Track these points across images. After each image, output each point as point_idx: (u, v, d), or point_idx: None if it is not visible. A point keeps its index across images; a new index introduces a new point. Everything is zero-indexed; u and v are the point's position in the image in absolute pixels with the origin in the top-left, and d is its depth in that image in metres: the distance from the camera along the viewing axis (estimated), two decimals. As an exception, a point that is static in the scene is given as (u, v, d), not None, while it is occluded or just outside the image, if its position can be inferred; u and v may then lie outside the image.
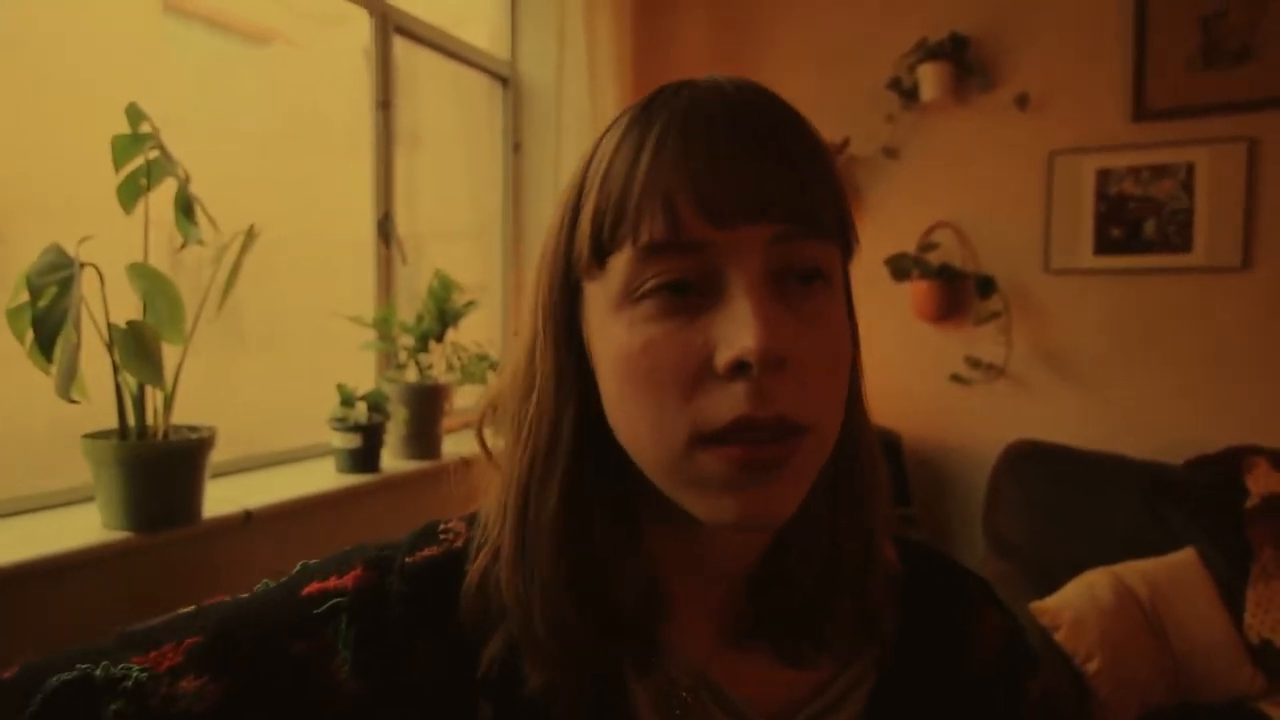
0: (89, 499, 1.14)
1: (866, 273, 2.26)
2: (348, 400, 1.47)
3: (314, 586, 0.46)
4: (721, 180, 0.37)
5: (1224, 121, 1.97)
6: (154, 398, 1.08)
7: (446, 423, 1.68)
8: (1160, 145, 2.03)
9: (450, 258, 2.04)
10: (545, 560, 0.42)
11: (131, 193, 1.03)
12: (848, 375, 0.41)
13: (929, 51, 2.17)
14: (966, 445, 2.26)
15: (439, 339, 1.66)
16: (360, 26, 1.75)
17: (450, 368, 1.68)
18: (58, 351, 0.88)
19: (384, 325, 1.60)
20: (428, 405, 1.61)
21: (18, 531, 1.06)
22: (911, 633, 0.49)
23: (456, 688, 0.44)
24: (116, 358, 1.00)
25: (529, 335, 0.45)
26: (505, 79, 2.18)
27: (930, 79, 2.16)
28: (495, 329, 2.15)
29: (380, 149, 1.75)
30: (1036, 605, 1.59)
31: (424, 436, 1.61)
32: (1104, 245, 2.10)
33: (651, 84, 0.44)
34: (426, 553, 0.48)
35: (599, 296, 0.41)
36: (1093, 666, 1.50)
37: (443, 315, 1.63)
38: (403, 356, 1.65)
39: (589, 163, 0.42)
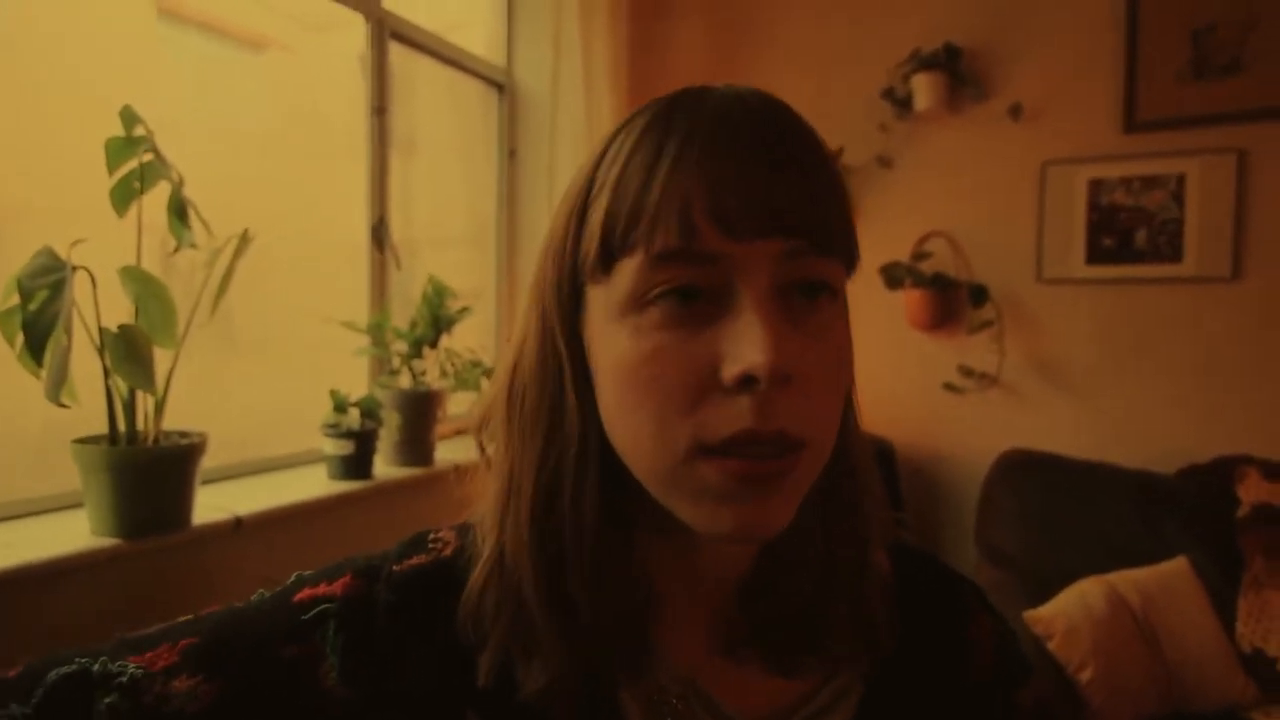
0: (78, 505, 1.13)
1: (860, 281, 2.22)
2: (340, 406, 1.47)
3: (305, 593, 0.46)
4: (740, 193, 0.37)
5: (1214, 133, 1.99)
6: (145, 402, 1.07)
7: (440, 430, 1.67)
8: (1151, 156, 2.04)
9: (445, 264, 2.04)
10: (543, 565, 0.42)
11: (125, 196, 1.02)
12: (845, 390, 0.42)
13: (923, 61, 2.18)
14: (959, 454, 2.27)
15: (433, 345, 1.65)
16: (356, 32, 1.75)
17: (444, 374, 1.68)
18: (48, 355, 0.88)
19: (377, 331, 1.60)
20: (421, 412, 1.60)
21: (6, 537, 1.05)
22: (905, 638, 0.48)
23: (445, 697, 0.44)
24: (107, 362, 1.00)
25: (533, 337, 0.44)
26: (501, 86, 2.18)
27: (924, 89, 2.18)
28: (489, 335, 2.15)
29: (375, 154, 1.75)
30: (1030, 614, 1.59)
31: (417, 443, 1.60)
32: (1096, 255, 2.11)
33: (647, 92, 0.44)
34: (415, 561, 0.48)
35: (603, 301, 0.41)
36: (1086, 676, 1.50)
37: (436, 321, 1.63)
38: (396, 362, 1.64)
39: (599, 162, 0.42)
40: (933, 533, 2.29)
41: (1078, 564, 1.79)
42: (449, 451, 1.70)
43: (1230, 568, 1.75)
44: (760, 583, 0.45)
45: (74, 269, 0.94)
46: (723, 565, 0.46)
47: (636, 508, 0.43)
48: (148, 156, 1.03)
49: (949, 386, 2.24)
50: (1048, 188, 2.15)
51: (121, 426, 1.05)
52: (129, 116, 1.02)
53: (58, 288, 0.91)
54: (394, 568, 0.47)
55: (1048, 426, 2.16)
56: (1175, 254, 2.03)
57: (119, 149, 1.01)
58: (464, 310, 1.68)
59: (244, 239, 1.14)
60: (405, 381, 1.65)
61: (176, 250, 1.07)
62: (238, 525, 1.19)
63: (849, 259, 0.42)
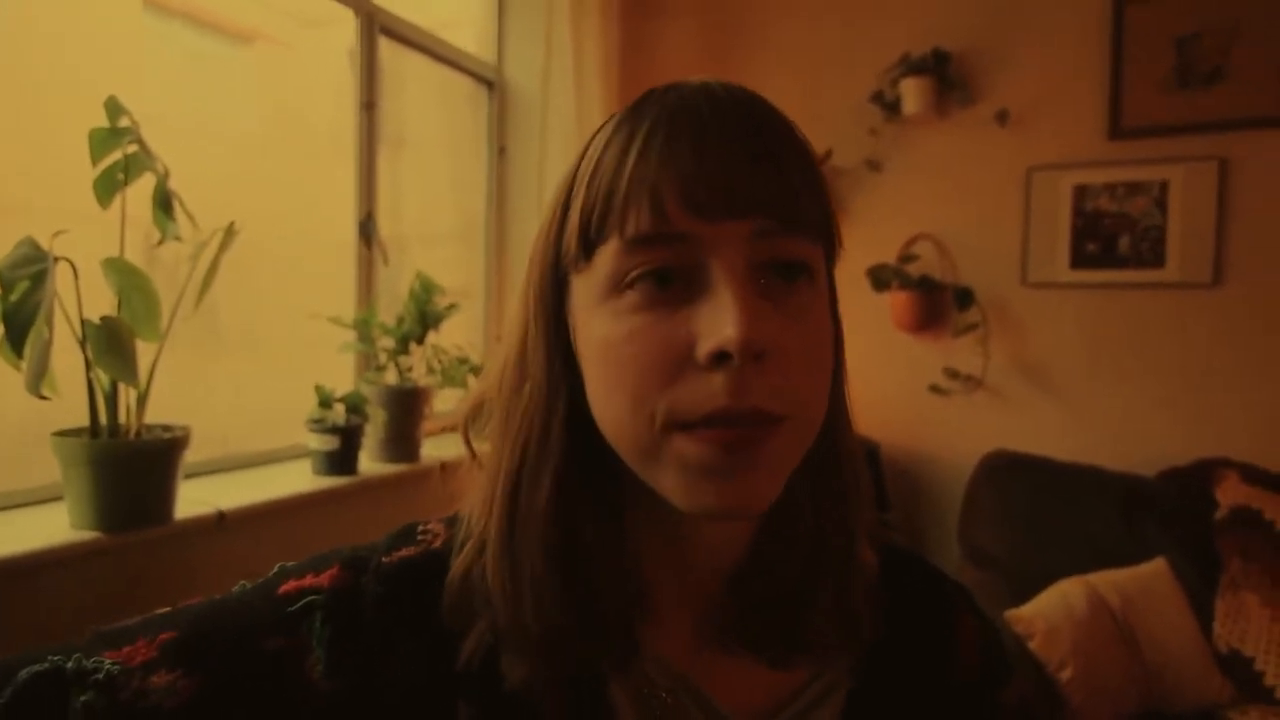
0: (58, 498, 1.11)
1: (847, 282, 2.25)
2: (326, 402, 1.46)
3: (290, 585, 0.46)
4: (706, 174, 0.38)
5: (1197, 141, 2.01)
6: (127, 396, 1.06)
7: (426, 426, 1.66)
8: (1135, 163, 2.07)
9: (433, 261, 2.03)
10: (535, 552, 0.42)
11: (108, 187, 1.01)
12: (828, 369, 0.42)
13: (912, 66, 2.20)
14: (944, 455, 2.28)
15: (419, 341, 1.65)
16: (345, 27, 1.74)
17: (431, 371, 1.67)
18: (29, 347, 0.87)
19: (364, 327, 1.59)
20: (407, 408, 1.60)
21: (-17, 530, 1.03)
22: (891, 637, 0.49)
23: (434, 689, 0.43)
24: (89, 354, 0.99)
25: (518, 331, 0.45)
26: (491, 83, 2.18)
27: (912, 93, 2.19)
28: (477, 333, 2.14)
29: (364, 149, 1.74)
30: (1011, 613, 1.60)
31: (403, 439, 1.59)
32: (1080, 260, 2.13)
33: (637, 91, 0.45)
34: (404, 553, 0.48)
35: (585, 289, 0.41)
36: (1065, 675, 1.51)
37: (423, 318, 1.63)
38: (382, 358, 1.64)
39: (580, 161, 0.43)
40: (917, 533, 2.30)
41: (1060, 565, 1.81)
42: (435, 448, 1.69)
43: (1208, 569, 1.77)
44: (749, 572, 0.46)
45: (56, 260, 0.93)
46: (712, 554, 0.46)
47: (627, 498, 0.44)
48: (132, 148, 1.02)
49: (934, 388, 2.26)
50: (1033, 193, 2.17)
51: (103, 419, 1.04)
52: (113, 107, 1.01)
53: (39, 279, 0.90)
54: (383, 559, 0.47)
55: (1031, 428, 2.18)
56: (1158, 260, 2.05)
57: (103, 140, 1.00)
58: (451, 307, 1.67)
59: (229, 232, 1.13)
60: (391, 378, 1.64)
61: (161, 243, 1.06)
62: (221, 520, 1.18)
63: (827, 240, 0.43)
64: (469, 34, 2.16)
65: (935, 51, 2.19)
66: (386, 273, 1.81)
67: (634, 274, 0.39)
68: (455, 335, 1.78)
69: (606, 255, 0.40)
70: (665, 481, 0.39)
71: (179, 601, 0.48)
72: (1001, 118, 2.16)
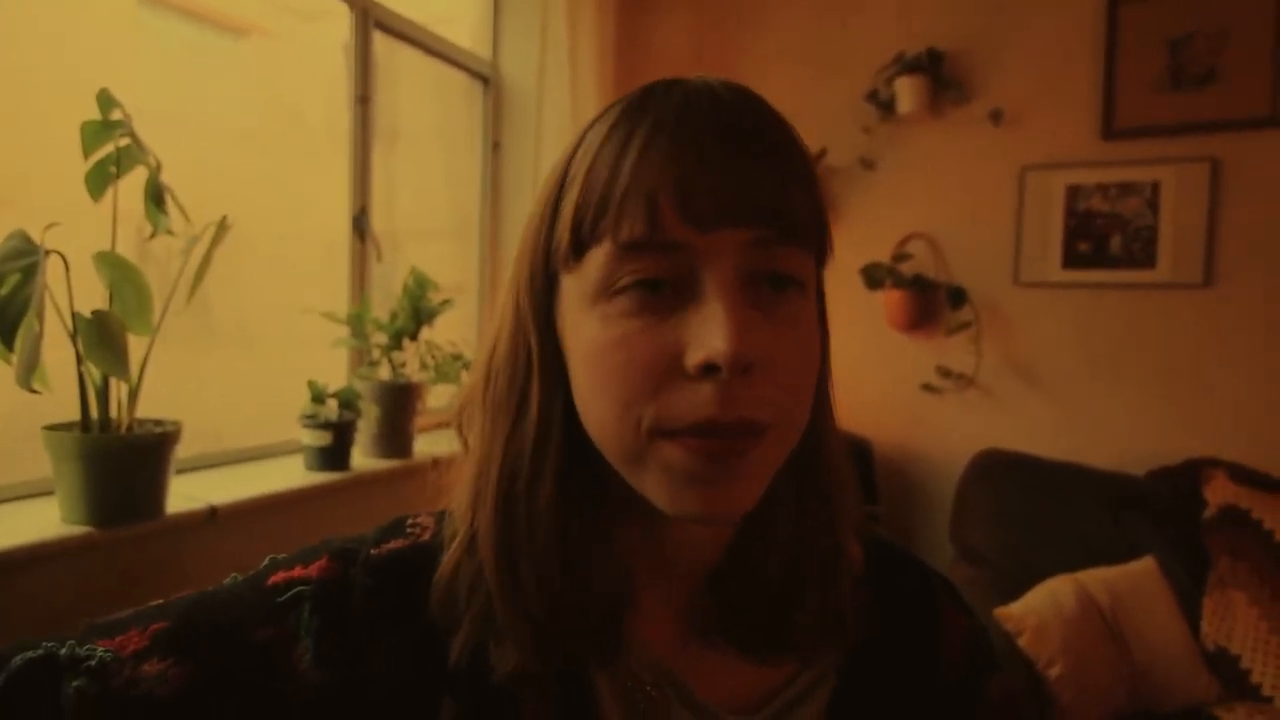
0: (49, 492, 1.11)
1: (841, 281, 2.28)
2: (318, 397, 1.46)
3: (279, 576, 0.46)
4: (705, 184, 0.37)
5: (1189, 142, 2.02)
6: (118, 390, 1.06)
7: (419, 422, 1.66)
8: (1128, 163, 2.08)
9: (427, 257, 2.02)
10: (536, 547, 0.42)
11: (100, 180, 1.01)
12: (814, 378, 0.42)
13: (906, 65, 2.20)
14: (936, 453, 2.29)
15: (413, 337, 1.64)
16: (340, 21, 1.73)
17: (424, 366, 1.67)
18: (19, 340, 0.86)
19: (357, 322, 1.59)
20: (400, 404, 1.60)
21: (-27, 524, 1.03)
22: (876, 631, 0.49)
23: (420, 680, 0.44)
24: (80, 348, 0.98)
25: (508, 324, 0.45)
26: (486, 78, 2.18)
27: (907, 92, 2.20)
28: (471, 329, 2.14)
29: (358, 144, 1.74)
30: (1000, 611, 1.61)
31: (396, 435, 1.59)
32: (1072, 259, 2.14)
33: (632, 87, 0.44)
34: (392, 545, 0.48)
35: (575, 289, 0.41)
36: (1054, 672, 1.52)
37: (417, 313, 1.62)
38: (376, 354, 1.63)
39: (573, 153, 0.42)
40: (909, 531, 2.31)
41: (1050, 563, 1.82)
42: (428, 444, 1.69)
43: (1196, 568, 1.78)
44: (731, 569, 0.46)
45: (47, 253, 0.93)
46: (695, 551, 0.46)
47: (612, 496, 0.44)
48: (124, 141, 1.02)
49: (927, 387, 2.27)
50: (1026, 192, 2.17)
51: (94, 414, 1.04)
52: (105, 100, 1.01)
53: (30, 271, 0.89)
54: (371, 551, 0.47)
55: (1023, 427, 2.19)
56: (1149, 260, 2.07)
57: (95, 133, 1.00)
58: (445, 303, 1.67)
59: (222, 226, 1.13)
60: (385, 373, 1.64)
61: (153, 236, 1.06)
62: (212, 515, 1.18)
63: (819, 250, 0.42)
64: (464, 29, 2.15)
65: (930, 51, 2.20)
66: (380, 268, 1.81)
67: (625, 281, 0.38)
68: (449, 331, 1.78)
69: (598, 257, 0.39)
70: (649, 486, 0.40)
71: (171, 595, 0.49)
72: (995, 117, 2.17)
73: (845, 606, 0.47)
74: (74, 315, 0.98)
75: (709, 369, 0.36)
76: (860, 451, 2.20)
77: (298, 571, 0.46)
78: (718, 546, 0.46)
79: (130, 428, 1.07)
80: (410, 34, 1.89)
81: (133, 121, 1.03)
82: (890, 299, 2.26)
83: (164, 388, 1.15)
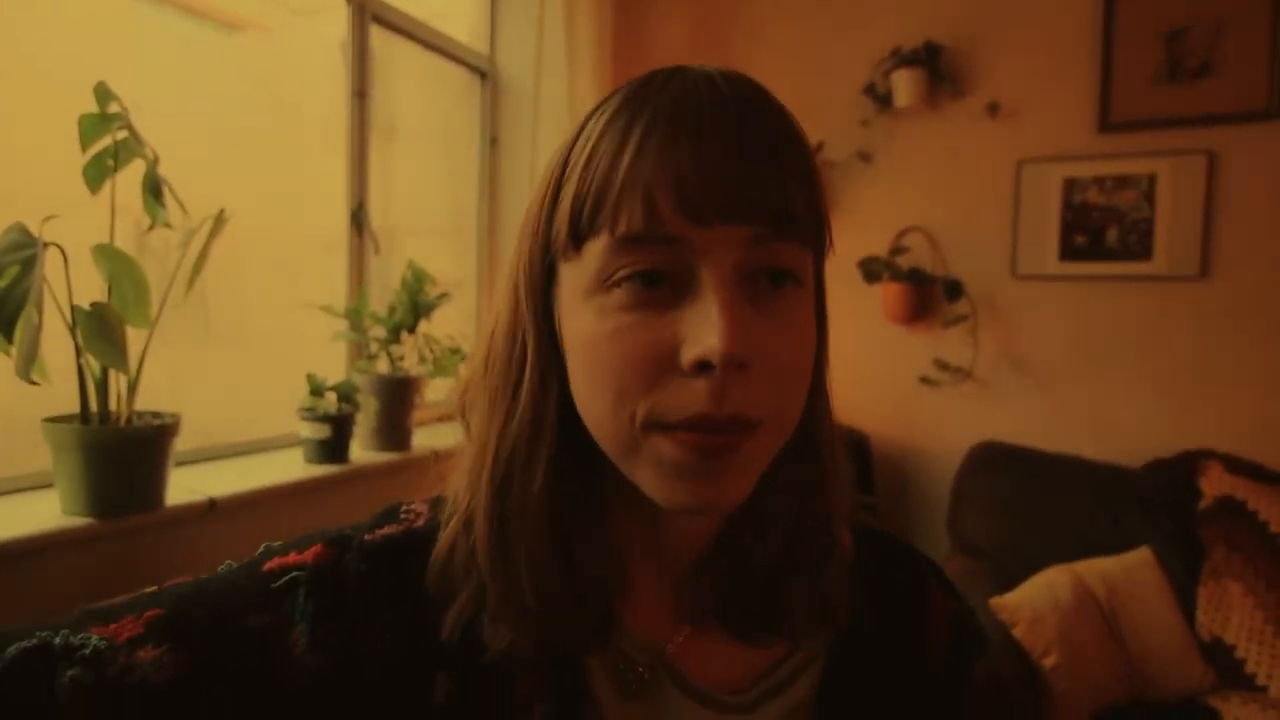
0: (49, 484, 1.12)
1: (839, 274, 2.28)
2: (317, 390, 1.46)
3: (274, 562, 0.47)
4: (704, 179, 0.37)
5: (1185, 135, 2.02)
6: (117, 382, 1.07)
7: (417, 415, 1.67)
8: (1124, 156, 2.08)
9: (424, 251, 2.03)
10: (531, 531, 0.42)
11: (98, 173, 1.01)
12: (808, 374, 0.42)
13: (903, 58, 2.20)
14: (933, 446, 2.30)
15: (411, 331, 1.65)
16: (337, 16, 1.73)
17: (422, 360, 1.67)
18: (18, 332, 0.87)
19: (356, 316, 1.59)
20: (398, 397, 1.60)
21: (-26, 516, 1.04)
22: (866, 614, 0.50)
23: (414, 663, 0.44)
24: (79, 340, 0.99)
25: (506, 312, 0.45)
26: (484, 73, 2.18)
27: (904, 85, 2.20)
28: (469, 323, 2.15)
29: (355, 138, 1.74)
30: (996, 601, 1.62)
31: (394, 428, 1.60)
32: (1068, 252, 2.15)
33: (630, 81, 0.44)
34: (387, 531, 0.48)
35: (572, 279, 0.41)
36: (1050, 662, 1.53)
37: (415, 307, 1.63)
38: (374, 348, 1.64)
39: (574, 143, 0.42)
40: (906, 522, 2.32)
41: (1047, 554, 1.83)
42: (426, 438, 1.70)
43: (1192, 558, 1.79)
44: (724, 554, 0.46)
45: (45, 245, 0.93)
46: (687, 537, 0.47)
47: (606, 482, 0.44)
48: (122, 134, 1.02)
49: (924, 379, 2.28)
50: (1023, 185, 2.18)
51: (94, 406, 1.04)
52: (103, 93, 1.01)
53: (28, 264, 0.90)
54: (366, 537, 0.47)
55: (1019, 420, 2.19)
56: (1145, 252, 2.07)
57: (92, 126, 1.00)
58: (443, 296, 1.67)
59: (219, 219, 1.14)
60: (383, 367, 1.65)
61: (151, 229, 1.07)
62: (211, 507, 1.18)
63: (818, 245, 0.42)
64: (462, 23, 2.15)
65: (927, 44, 2.20)
66: (378, 263, 1.81)
67: (622, 273, 0.38)
68: (447, 325, 1.78)
69: (596, 250, 0.39)
70: (642, 477, 0.40)
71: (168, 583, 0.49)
72: (992, 110, 2.17)
73: (835, 591, 0.47)
74: (73, 308, 0.98)
75: (703, 366, 0.36)
76: (857, 444, 2.21)
77: (292, 558, 0.47)
78: (710, 533, 0.47)
79: (129, 420, 1.07)
80: (407, 28, 1.90)
81: (130, 115, 1.04)
82: (888, 292, 2.26)
83: (163, 382, 1.16)
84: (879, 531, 0.55)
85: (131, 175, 1.05)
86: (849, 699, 0.47)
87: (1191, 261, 2.02)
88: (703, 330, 0.36)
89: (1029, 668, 1.54)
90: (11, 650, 0.41)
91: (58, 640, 0.42)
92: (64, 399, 1.04)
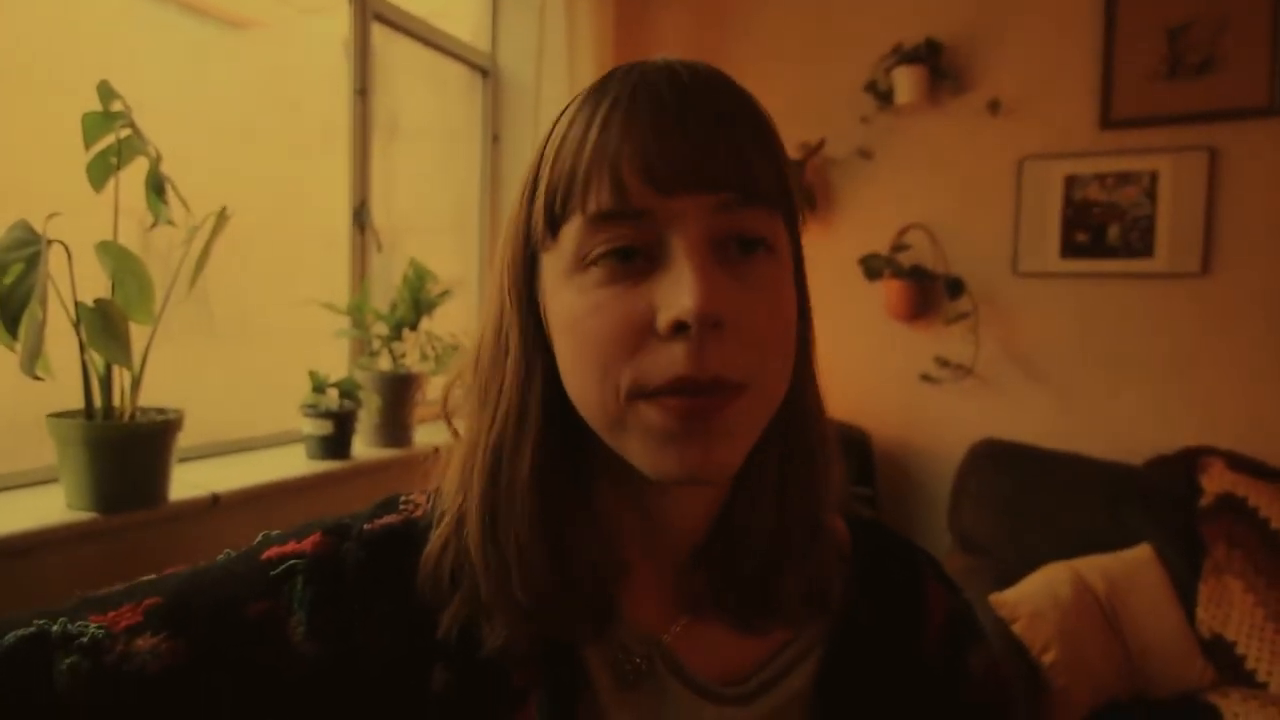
0: (54, 480, 1.13)
1: (840, 271, 2.29)
2: (319, 387, 1.47)
3: (272, 551, 0.47)
4: (665, 150, 0.39)
5: (1187, 131, 2.02)
6: (121, 378, 1.07)
7: (419, 412, 1.68)
8: (1125, 153, 2.08)
9: (426, 249, 2.03)
10: (520, 522, 0.43)
11: (101, 171, 1.02)
12: (791, 338, 0.43)
13: (904, 56, 2.20)
14: (934, 443, 2.30)
15: (413, 328, 1.66)
16: (339, 14, 1.74)
17: (424, 357, 1.68)
18: (23, 328, 0.88)
19: (357, 312, 1.60)
20: (400, 394, 1.61)
21: (-20, 511, 1.05)
22: (862, 604, 0.50)
23: (412, 653, 0.45)
24: (83, 336, 1.00)
25: (494, 308, 0.46)
26: (485, 70, 2.18)
27: (905, 82, 2.20)
28: (471, 321, 2.15)
29: (357, 136, 1.75)
30: (995, 597, 1.62)
31: (396, 425, 1.61)
32: (1070, 249, 2.14)
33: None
34: (385, 521, 0.49)
35: (553, 265, 0.42)
36: (1049, 658, 1.54)
37: (417, 304, 1.64)
38: (376, 345, 1.65)
39: (547, 138, 0.44)
40: (907, 520, 2.32)
41: (1047, 551, 1.83)
42: (428, 434, 1.71)
43: (1193, 555, 1.79)
44: (719, 543, 0.47)
45: (49, 242, 0.94)
46: (681, 522, 0.47)
47: (599, 468, 0.45)
48: (125, 132, 1.03)
49: (925, 377, 2.28)
50: (1024, 182, 2.18)
51: (98, 402, 1.05)
52: (106, 91, 1.02)
53: (33, 261, 0.90)
54: (365, 527, 0.48)
55: (1020, 417, 2.19)
56: (1147, 249, 2.07)
57: (96, 123, 1.01)
58: (444, 294, 1.68)
59: (222, 216, 1.14)
60: (385, 364, 1.65)
61: (154, 226, 1.07)
62: (215, 502, 1.19)
63: (788, 213, 0.43)
64: (463, 21, 2.16)
65: (928, 41, 2.20)
66: (380, 260, 1.82)
67: (598, 251, 0.40)
68: (449, 323, 1.79)
69: (571, 232, 0.41)
70: (631, 449, 0.41)
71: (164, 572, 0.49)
72: (993, 107, 2.17)
73: (830, 578, 0.48)
74: (77, 304, 0.99)
75: (679, 327, 0.37)
76: (859, 441, 2.21)
77: (291, 546, 0.47)
78: (704, 520, 0.47)
79: (133, 416, 1.08)
80: (409, 26, 1.90)
81: (133, 113, 1.04)
82: (889, 289, 2.26)
83: (167, 378, 1.17)
84: (876, 524, 0.56)
85: (135, 173, 1.06)
86: (846, 690, 0.48)
87: (1193, 258, 2.02)
88: (676, 293, 0.38)
89: (1028, 664, 1.54)
90: (9, 638, 0.41)
91: (55, 628, 0.42)
92: (68, 395, 1.05)
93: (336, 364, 1.71)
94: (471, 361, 0.48)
